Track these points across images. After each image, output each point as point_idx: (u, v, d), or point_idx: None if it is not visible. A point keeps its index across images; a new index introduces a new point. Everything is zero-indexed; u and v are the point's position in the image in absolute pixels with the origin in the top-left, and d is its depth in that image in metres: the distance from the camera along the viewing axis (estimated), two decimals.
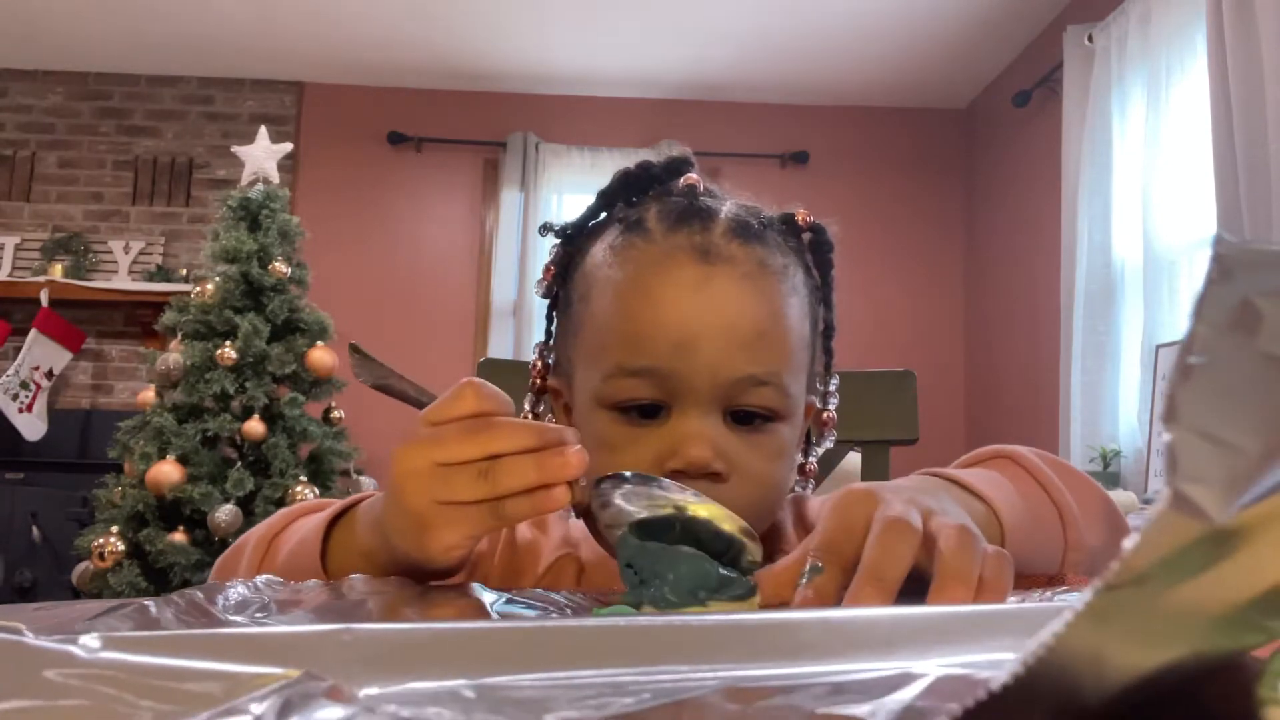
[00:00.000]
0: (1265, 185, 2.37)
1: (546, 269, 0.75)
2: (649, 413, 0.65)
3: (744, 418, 0.65)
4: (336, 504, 0.62)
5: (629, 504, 0.49)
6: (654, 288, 0.65)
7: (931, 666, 0.21)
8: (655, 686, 0.21)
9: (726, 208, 0.70)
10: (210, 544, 2.92)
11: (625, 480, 0.51)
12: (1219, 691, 0.22)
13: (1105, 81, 3.24)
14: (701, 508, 0.49)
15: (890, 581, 0.42)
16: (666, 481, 0.52)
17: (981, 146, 4.47)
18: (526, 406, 0.76)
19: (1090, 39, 3.34)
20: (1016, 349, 4.02)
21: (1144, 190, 3.00)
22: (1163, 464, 0.19)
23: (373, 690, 0.21)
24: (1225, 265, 0.22)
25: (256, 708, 0.18)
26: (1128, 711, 0.20)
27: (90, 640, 0.23)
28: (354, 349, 0.58)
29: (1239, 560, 0.18)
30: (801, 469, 0.77)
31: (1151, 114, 2.99)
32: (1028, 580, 0.55)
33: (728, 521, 0.49)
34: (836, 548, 0.45)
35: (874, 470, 1.07)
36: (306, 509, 0.66)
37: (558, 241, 0.75)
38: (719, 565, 0.46)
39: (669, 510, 0.49)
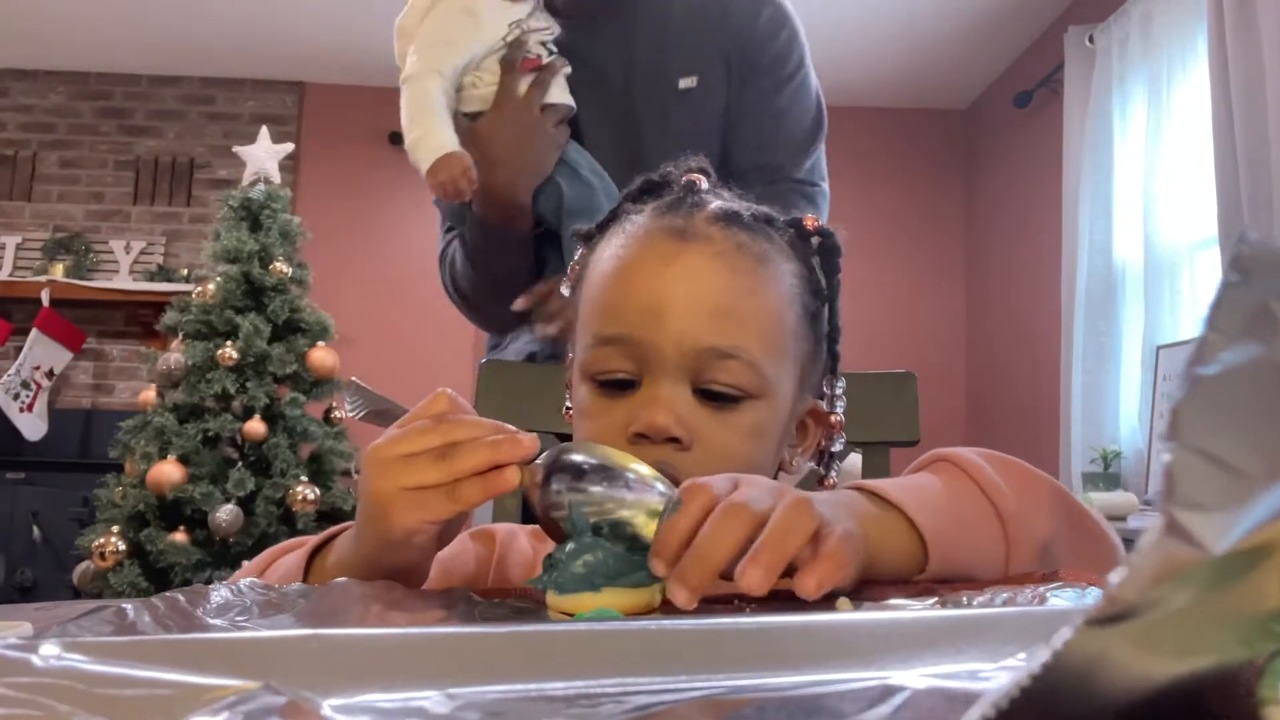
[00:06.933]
0: (1266, 185, 2.36)
1: (570, 269, 0.79)
2: (625, 386, 0.67)
3: (715, 395, 0.66)
4: (317, 537, 0.66)
5: (575, 499, 0.51)
6: (631, 263, 0.69)
7: (912, 677, 0.20)
8: (631, 699, 0.20)
9: (721, 201, 0.72)
10: (211, 544, 2.92)
11: (578, 474, 0.51)
12: (1219, 691, 0.22)
13: (1106, 82, 3.23)
14: (630, 506, 0.50)
15: (713, 564, 0.44)
16: (613, 461, 0.52)
17: (983, 147, 4.46)
18: (567, 403, 0.78)
19: (1091, 40, 3.33)
20: (1017, 349, 4.01)
21: (1145, 190, 3.00)
22: (1161, 486, 0.17)
23: (337, 701, 0.21)
24: (1244, 266, 0.21)
25: None
26: (1126, 712, 0.20)
27: (50, 648, 0.22)
28: (352, 383, 0.63)
29: (1246, 584, 0.17)
30: (821, 482, 0.77)
31: (1152, 114, 2.99)
32: (1022, 577, 0.53)
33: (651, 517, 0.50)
34: (695, 491, 0.48)
35: (874, 471, 1.06)
36: (290, 545, 0.69)
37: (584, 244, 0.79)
38: (628, 554, 0.48)
39: (600, 515, 0.50)
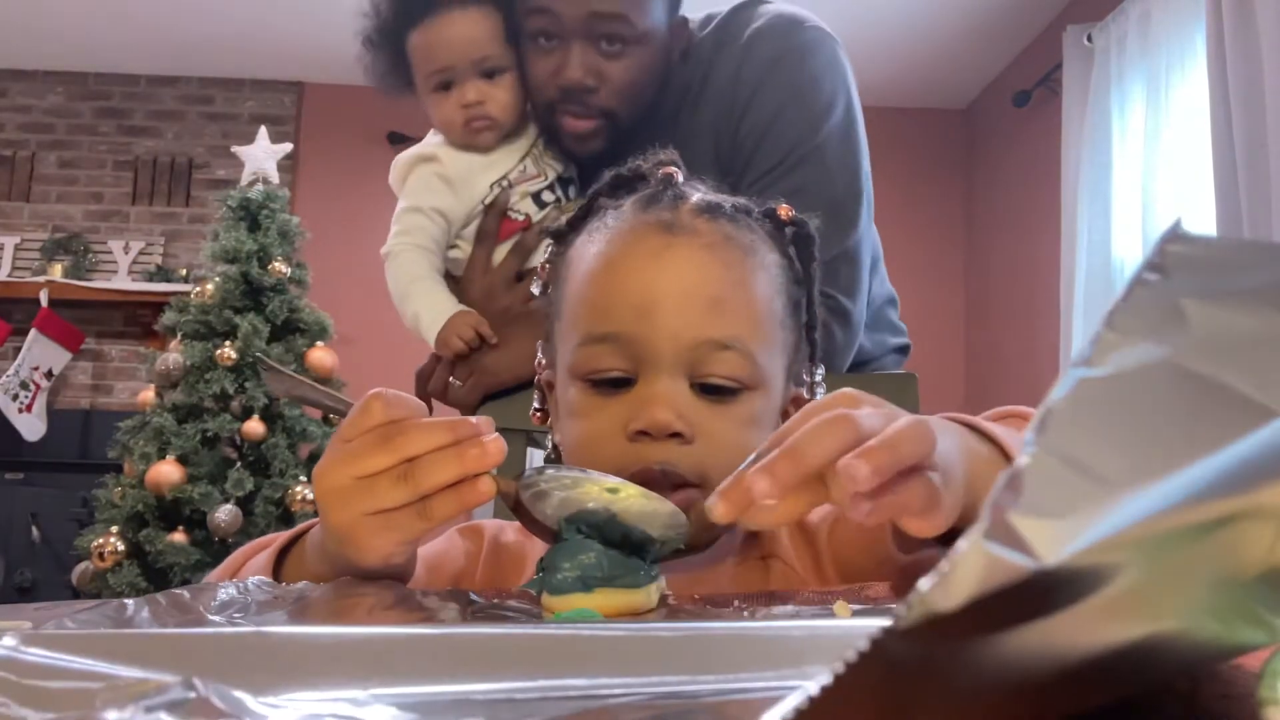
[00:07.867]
0: (1265, 185, 2.36)
1: (541, 266, 0.77)
2: (619, 384, 0.66)
3: (713, 389, 0.65)
4: (283, 535, 0.63)
5: (558, 494, 0.50)
6: (618, 258, 0.68)
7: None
8: (553, 705, 0.20)
9: (701, 193, 0.72)
10: (210, 544, 2.92)
11: (554, 472, 0.51)
12: (1219, 691, 0.22)
13: (1105, 81, 3.23)
14: (623, 496, 0.50)
15: (808, 460, 0.39)
16: (594, 473, 0.52)
17: (981, 146, 4.45)
18: (535, 404, 0.78)
19: (1090, 39, 3.33)
20: (1017, 349, 4.01)
21: (1144, 190, 2.99)
22: (1003, 488, 0.16)
23: (270, 699, 0.21)
24: (1162, 265, 0.21)
25: (112, 716, 0.18)
26: (1124, 710, 0.20)
27: (8, 640, 0.23)
28: (262, 363, 0.61)
29: (1121, 593, 0.16)
30: None
31: (1151, 114, 2.98)
32: None
33: (647, 511, 0.50)
34: (784, 435, 0.42)
35: None
36: (261, 544, 0.67)
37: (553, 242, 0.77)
38: (621, 554, 0.48)
39: (594, 504, 0.50)
